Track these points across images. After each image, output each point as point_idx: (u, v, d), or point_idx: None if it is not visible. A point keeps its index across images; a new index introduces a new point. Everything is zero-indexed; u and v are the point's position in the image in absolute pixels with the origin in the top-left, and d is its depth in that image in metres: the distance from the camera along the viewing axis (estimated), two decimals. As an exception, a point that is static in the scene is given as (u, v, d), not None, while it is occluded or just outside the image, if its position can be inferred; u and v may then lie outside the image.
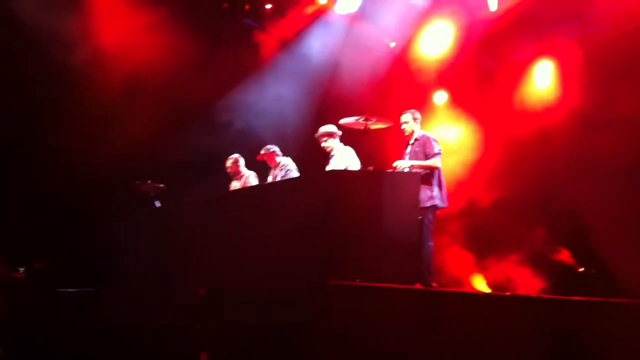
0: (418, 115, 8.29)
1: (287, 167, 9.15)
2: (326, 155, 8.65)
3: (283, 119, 11.66)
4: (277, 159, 9.27)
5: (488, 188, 10.89)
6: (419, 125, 8.27)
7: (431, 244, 7.77)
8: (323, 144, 8.53)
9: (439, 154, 7.91)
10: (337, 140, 8.54)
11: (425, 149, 7.94)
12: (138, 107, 10.97)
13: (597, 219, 9.65)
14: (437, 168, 7.85)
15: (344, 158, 8.34)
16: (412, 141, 8.20)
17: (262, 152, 9.33)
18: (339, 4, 11.99)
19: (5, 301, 9.88)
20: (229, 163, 9.79)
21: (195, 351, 6.32)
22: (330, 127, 8.55)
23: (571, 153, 10.24)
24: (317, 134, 8.59)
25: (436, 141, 8.05)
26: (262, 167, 9.70)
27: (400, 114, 8.32)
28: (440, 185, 7.91)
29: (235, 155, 9.83)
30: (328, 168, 8.34)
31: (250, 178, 9.71)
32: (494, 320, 5.84)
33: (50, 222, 10.89)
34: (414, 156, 8.02)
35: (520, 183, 10.76)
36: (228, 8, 12.40)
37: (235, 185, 9.76)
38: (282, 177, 9.03)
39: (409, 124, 8.22)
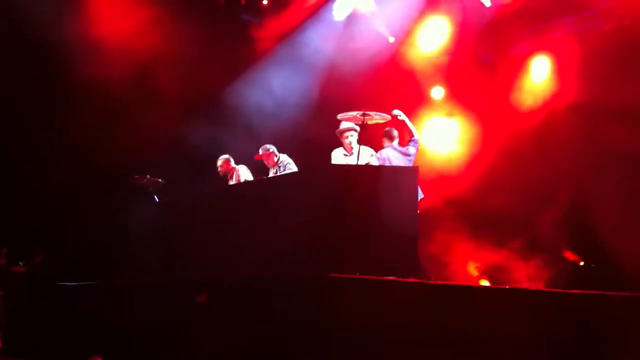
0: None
1: (285, 163, 9.14)
2: (322, 151, 8.64)
3: (280, 114, 11.65)
4: (275, 158, 9.23)
5: (486, 182, 10.93)
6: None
7: None
8: (349, 138, 8.24)
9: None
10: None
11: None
12: (136, 103, 11.01)
13: (598, 210, 9.71)
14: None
15: (370, 158, 8.18)
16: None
17: (260, 152, 9.27)
18: (336, 10, 12.09)
19: (5, 295, 9.91)
20: (219, 163, 9.70)
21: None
22: (352, 123, 8.24)
23: (570, 146, 10.31)
24: (342, 128, 8.26)
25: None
26: (260, 167, 9.74)
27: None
28: None
29: (225, 156, 9.76)
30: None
31: (241, 171, 9.67)
32: (493, 312, 5.89)
33: (50, 216, 10.91)
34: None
35: (519, 177, 10.83)
36: (225, 3, 12.39)
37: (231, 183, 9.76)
38: (281, 172, 9.02)
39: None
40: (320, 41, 12.03)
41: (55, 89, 10.76)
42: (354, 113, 7.65)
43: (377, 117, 7.70)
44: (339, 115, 7.85)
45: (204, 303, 6.37)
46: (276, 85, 11.75)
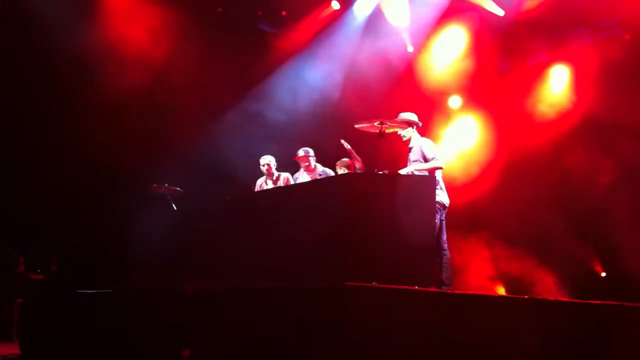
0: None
1: (326, 174, 9.22)
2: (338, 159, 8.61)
3: (298, 122, 11.67)
4: (313, 164, 9.32)
5: (501, 190, 10.90)
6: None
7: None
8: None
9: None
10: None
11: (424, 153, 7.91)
12: (150, 111, 11.09)
13: (615, 222, 9.65)
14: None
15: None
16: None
17: (302, 154, 9.30)
18: (357, 7, 12.06)
19: (23, 302, 9.96)
20: (266, 161, 9.56)
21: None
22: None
23: (586, 157, 10.25)
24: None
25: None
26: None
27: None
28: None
29: (271, 157, 9.64)
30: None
31: (286, 179, 9.62)
32: (512, 323, 5.85)
33: (64, 222, 10.94)
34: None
35: (535, 187, 10.78)
36: (242, 13, 12.42)
37: (263, 183, 9.66)
38: None
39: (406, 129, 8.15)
40: (338, 50, 12.06)
41: (67, 95, 10.79)
42: (371, 122, 7.64)
43: (394, 125, 7.71)
44: (357, 125, 7.82)
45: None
46: (293, 94, 11.78)
